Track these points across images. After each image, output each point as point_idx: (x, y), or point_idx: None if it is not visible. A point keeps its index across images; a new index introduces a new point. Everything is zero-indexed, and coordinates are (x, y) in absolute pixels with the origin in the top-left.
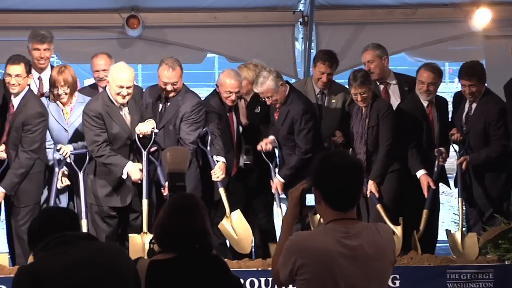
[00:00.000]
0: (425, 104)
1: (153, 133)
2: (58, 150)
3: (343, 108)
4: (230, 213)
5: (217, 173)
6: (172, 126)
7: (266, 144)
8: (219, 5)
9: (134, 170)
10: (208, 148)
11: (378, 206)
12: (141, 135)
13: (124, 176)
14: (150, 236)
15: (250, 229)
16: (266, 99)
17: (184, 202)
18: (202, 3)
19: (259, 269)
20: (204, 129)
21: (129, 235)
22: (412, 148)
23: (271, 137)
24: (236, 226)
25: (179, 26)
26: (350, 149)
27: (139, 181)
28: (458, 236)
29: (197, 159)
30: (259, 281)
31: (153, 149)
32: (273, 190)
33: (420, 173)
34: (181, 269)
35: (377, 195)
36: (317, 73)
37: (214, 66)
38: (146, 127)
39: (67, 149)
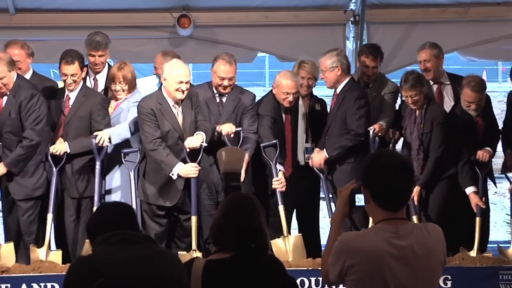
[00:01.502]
0: (473, 113)
1: (202, 147)
2: (95, 138)
3: (382, 98)
4: (288, 234)
5: (282, 181)
6: (233, 122)
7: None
8: (270, 4)
9: (186, 169)
10: (274, 161)
11: (414, 218)
12: (188, 150)
13: (174, 177)
14: (199, 254)
15: (305, 256)
16: (321, 72)
17: (241, 202)
18: (253, 3)
19: (309, 268)
20: (274, 141)
21: (178, 253)
22: (463, 163)
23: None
24: (293, 249)
25: (230, 26)
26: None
27: (194, 177)
28: (511, 252)
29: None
30: (309, 281)
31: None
32: (315, 165)
33: (469, 190)
34: (238, 269)
35: (416, 203)
36: (362, 67)
37: (265, 66)
38: (195, 141)
39: (105, 135)
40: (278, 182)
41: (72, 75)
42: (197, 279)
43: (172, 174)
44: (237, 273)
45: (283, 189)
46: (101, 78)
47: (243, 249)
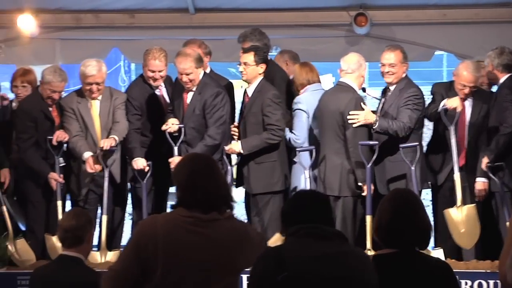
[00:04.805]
0: None
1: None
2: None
3: None
4: (462, 204)
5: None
6: (394, 113)
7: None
8: (449, 1)
9: None
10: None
11: None
12: None
13: None
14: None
15: (479, 228)
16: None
17: (409, 199)
18: (431, 0)
19: (488, 271)
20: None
21: None
22: None
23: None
24: (466, 220)
25: (407, 24)
26: None
27: None
28: None
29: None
30: (488, 283)
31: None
32: (483, 166)
33: None
34: (405, 264)
35: None
36: None
37: (443, 64)
38: None
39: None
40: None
41: (244, 63)
42: None
43: None
44: (405, 268)
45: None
46: None
47: (409, 246)
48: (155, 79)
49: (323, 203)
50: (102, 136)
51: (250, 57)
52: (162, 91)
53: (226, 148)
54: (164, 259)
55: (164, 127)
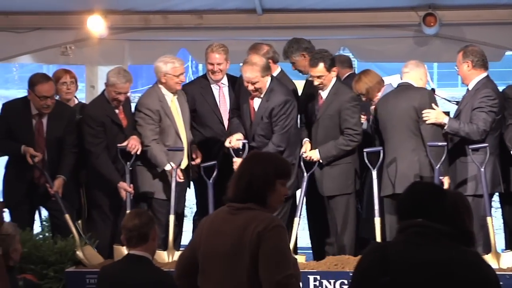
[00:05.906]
0: None
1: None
2: None
3: None
4: None
5: None
6: (465, 114)
7: None
8: None
9: None
10: None
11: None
12: None
13: None
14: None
15: None
16: None
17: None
18: (501, 0)
19: None
20: None
21: None
22: None
23: None
24: None
25: (477, 24)
26: None
27: None
28: None
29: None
30: None
31: None
32: None
33: None
34: None
35: None
36: None
37: None
38: None
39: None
40: None
41: (318, 77)
42: None
43: None
44: None
45: None
46: None
47: None
48: (213, 72)
49: (438, 197)
50: (186, 129)
51: (320, 68)
52: (222, 89)
53: (304, 155)
54: (202, 248)
55: (227, 144)
